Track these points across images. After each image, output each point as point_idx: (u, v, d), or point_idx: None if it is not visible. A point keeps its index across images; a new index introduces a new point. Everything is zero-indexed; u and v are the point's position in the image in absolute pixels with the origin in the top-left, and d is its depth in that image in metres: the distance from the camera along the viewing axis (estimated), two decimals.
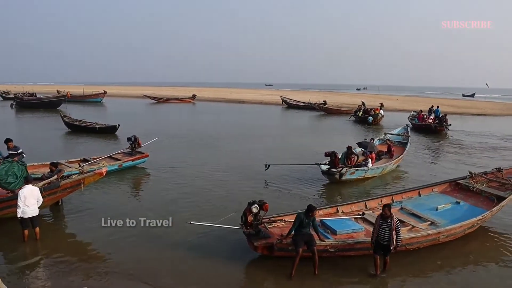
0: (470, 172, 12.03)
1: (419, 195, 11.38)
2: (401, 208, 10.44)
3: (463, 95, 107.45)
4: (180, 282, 7.37)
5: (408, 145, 19.08)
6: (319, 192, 13.60)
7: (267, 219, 8.67)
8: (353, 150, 15.19)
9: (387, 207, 7.59)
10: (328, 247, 7.90)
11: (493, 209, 9.84)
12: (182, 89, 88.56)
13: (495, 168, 12.06)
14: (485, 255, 8.97)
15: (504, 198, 10.24)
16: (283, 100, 54.07)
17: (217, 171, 15.67)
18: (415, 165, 18.09)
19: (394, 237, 7.39)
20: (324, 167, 14.40)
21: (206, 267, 7.91)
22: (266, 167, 14.44)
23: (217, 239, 8.89)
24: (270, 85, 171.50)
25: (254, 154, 19.20)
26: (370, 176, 15.16)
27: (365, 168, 14.99)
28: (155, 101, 58.15)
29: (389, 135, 20.75)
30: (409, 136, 20.52)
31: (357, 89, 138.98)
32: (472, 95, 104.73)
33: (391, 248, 7.40)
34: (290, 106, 52.34)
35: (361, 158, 15.63)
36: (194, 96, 61.08)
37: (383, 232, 7.44)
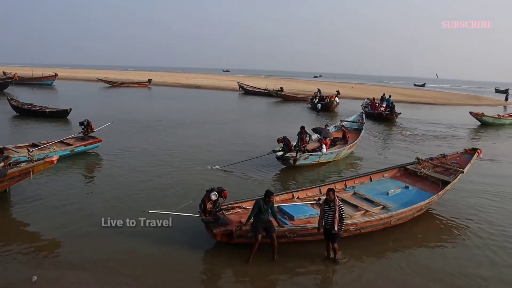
0: (418, 158, 12.58)
1: (371, 180, 11.77)
2: (354, 193, 10.78)
3: (415, 85, 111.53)
4: (136, 270, 7.22)
5: (363, 131, 19.63)
6: (275, 177, 13.80)
7: (225, 206, 8.63)
8: (305, 130, 15.51)
9: (331, 191, 7.65)
10: (286, 232, 8.00)
11: (439, 193, 10.35)
12: (137, 73, 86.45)
13: (440, 154, 12.69)
14: (431, 236, 9.50)
15: (448, 183, 10.80)
16: (240, 86, 53.93)
17: (174, 157, 15.46)
18: (368, 151, 18.70)
19: (336, 221, 7.41)
20: (279, 153, 14.57)
21: (163, 255, 7.77)
22: (213, 168, 13.93)
23: (175, 227, 8.69)
24: (227, 71, 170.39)
25: (212, 140, 19.18)
26: (324, 161, 15.51)
27: (319, 153, 15.32)
28: (110, 85, 56.44)
29: (345, 122, 21.28)
30: (364, 123, 21.13)
31: (315, 77, 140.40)
32: (423, 85, 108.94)
33: (332, 232, 7.44)
34: (247, 92, 52.29)
35: (316, 144, 15.97)
36: (150, 80, 59.75)
37: (327, 217, 7.53)
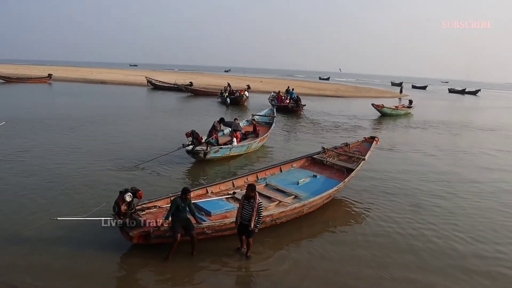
0: (323, 148, 13.19)
1: (281, 171, 12.09)
2: (266, 185, 10.98)
3: (320, 78, 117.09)
4: (52, 282, 6.67)
5: (273, 125, 20.18)
6: (186, 173, 13.61)
7: (139, 207, 8.24)
8: (217, 123, 15.57)
9: (250, 187, 7.57)
10: (205, 229, 7.89)
11: (345, 180, 10.97)
12: (35, 68, 79.98)
13: (343, 143, 13.45)
14: (340, 220, 10.11)
15: (352, 170, 11.51)
16: (148, 81, 52.38)
17: (81, 158, 14.40)
18: (278, 143, 19.26)
19: (254, 218, 7.38)
20: (189, 148, 14.41)
21: (78, 264, 7.22)
22: (122, 167, 13.30)
23: (87, 234, 8.12)
24: (135, 65, 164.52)
25: (121, 138, 18.37)
26: (235, 154, 15.66)
27: (229, 146, 15.43)
28: (3, 81, 51.57)
29: (257, 116, 21.78)
30: (275, 117, 21.78)
31: (225, 71, 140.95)
32: (328, 79, 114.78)
33: (250, 229, 7.42)
34: (156, 87, 50.94)
35: (227, 138, 16.06)
36: (50, 75, 55.37)
37: (246, 213, 7.48)
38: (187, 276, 7.17)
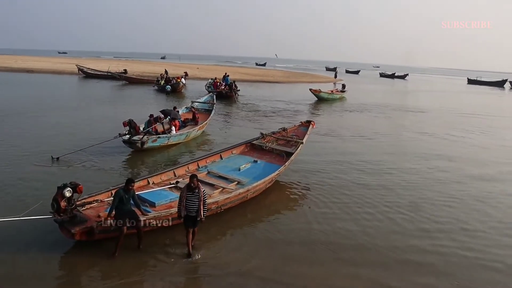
0: (262, 133, 13.41)
1: (221, 158, 12.14)
2: (208, 172, 10.96)
3: (257, 64, 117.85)
4: None
5: (213, 112, 20.07)
6: (124, 164, 13.25)
7: (79, 202, 7.80)
8: (155, 117, 15.27)
9: (195, 177, 7.35)
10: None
11: (285, 164, 11.21)
12: None
13: (281, 128, 13.73)
14: (282, 203, 10.38)
15: (292, 154, 11.81)
16: (79, 69, 49.86)
17: (8, 153, 13.48)
18: (217, 130, 19.28)
19: (202, 207, 7.25)
20: (126, 137, 14.01)
21: (17, 268, 6.77)
22: (54, 160, 12.70)
23: (24, 235, 7.64)
24: (64, 53, 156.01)
25: (52, 130, 17.37)
26: (174, 142, 15.48)
27: (167, 135, 15.23)
28: None
29: (196, 103, 21.57)
30: (215, 104, 21.66)
31: (162, 58, 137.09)
32: (264, 64, 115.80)
33: (198, 219, 7.28)
34: (88, 75, 48.62)
35: (165, 126, 15.81)
36: None
37: (191, 204, 7.23)
38: (136, 271, 6.97)
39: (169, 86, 34.28)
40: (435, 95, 52.27)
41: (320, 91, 34.53)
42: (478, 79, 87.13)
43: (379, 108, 31.48)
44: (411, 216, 9.70)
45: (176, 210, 7.53)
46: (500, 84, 79.32)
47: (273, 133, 13.49)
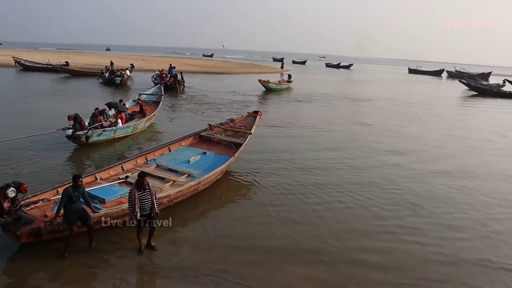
0: (210, 124, 13.44)
1: (170, 150, 12.03)
2: (157, 166, 10.82)
3: (204, 55, 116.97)
4: None
5: (161, 103, 19.84)
6: (69, 160, 12.81)
7: (23, 202, 7.44)
8: (100, 110, 14.93)
9: (143, 176, 7.15)
10: (102, 217, 7.47)
11: (235, 155, 11.35)
12: None
13: (228, 119, 13.87)
14: (232, 194, 10.48)
15: (241, 145, 11.95)
16: (16, 61, 47.21)
17: None
18: (165, 122, 19.10)
19: (154, 202, 7.10)
20: (69, 131, 13.55)
21: None
22: None
23: None
24: None
25: None
26: (121, 136, 15.19)
27: (113, 128, 14.88)
28: None
29: (144, 96, 21.15)
30: (162, 95, 21.38)
31: (107, 49, 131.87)
32: (211, 55, 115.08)
33: (153, 214, 7.12)
34: (26, 68, 46.21)
35: (112, 119, 15.48)
36: None
37: (145, 202, 7.01)
38: (86, 270, 6.76)
39: (118, 78, 33.22)
40: (378, 84, 54.19)
41: (269, 82, 34.89)
42: (418, 68, 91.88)
43: (326, 97, 32.29)
44: (361, 203, 10.08)
45: (128, 206, 7.31)
46: (438, 73, 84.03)
47: (221, 124, 13.57)
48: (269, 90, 34.31)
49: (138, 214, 6.97)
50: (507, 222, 9.54)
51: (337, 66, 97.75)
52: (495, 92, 44.60)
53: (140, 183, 7.08)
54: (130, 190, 7.21)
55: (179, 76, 32.54)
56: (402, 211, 9.77)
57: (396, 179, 12.11)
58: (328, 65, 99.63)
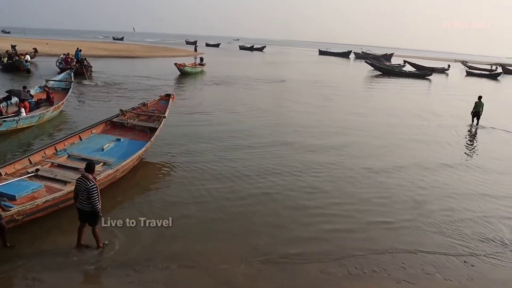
0: (121, 110, 12.94)
1: (81, 139, 11.41)
2: (69, 156, 10.24)
3: (114, 38, 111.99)
4: None
5: (70, 90, 18.71)
6: None
7: None
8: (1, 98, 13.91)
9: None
10: (15, 216, 6.91)
11: (151, 140, 11.15)
12: None
13: (141, 103, 13.47)
14: (150, 180, 10.35)
15: (155, 129, 11.76)
16: None
17: None
18: (75, 110, 18.21)
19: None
20: None
21: None
22: None
23: None
24: None
25: None
26: (25, 126, 14.20)
27: (16, 118, 13.86)
28: None
29: (51, 82, 19.72)
30: (73, 82, 20.07)
31: (5, 32, 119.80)
32: (122, 39, 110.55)
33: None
34: None
35: (14, 108, 14.46)
36: None
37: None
38: (4, 273, 6.23)
39: (28, 64, 30.28)
40: (290, 65, 55.91)
41: (185, 65, 34.49)
42: (328, 50, 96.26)
43: (242, 80, 32.64)
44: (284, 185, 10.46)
45: (43, 200, 7.04)
46: (346, 55, 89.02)
47: (133, 109, 13.13)
48: (184, 73, 33.92)
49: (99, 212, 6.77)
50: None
51: (251, 48, 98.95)
52: (397, 72, 48.45)
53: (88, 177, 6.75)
54: (93, 183, 6.74)
55: (85, 62, 30.69)
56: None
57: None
58: (242, 48, 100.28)
